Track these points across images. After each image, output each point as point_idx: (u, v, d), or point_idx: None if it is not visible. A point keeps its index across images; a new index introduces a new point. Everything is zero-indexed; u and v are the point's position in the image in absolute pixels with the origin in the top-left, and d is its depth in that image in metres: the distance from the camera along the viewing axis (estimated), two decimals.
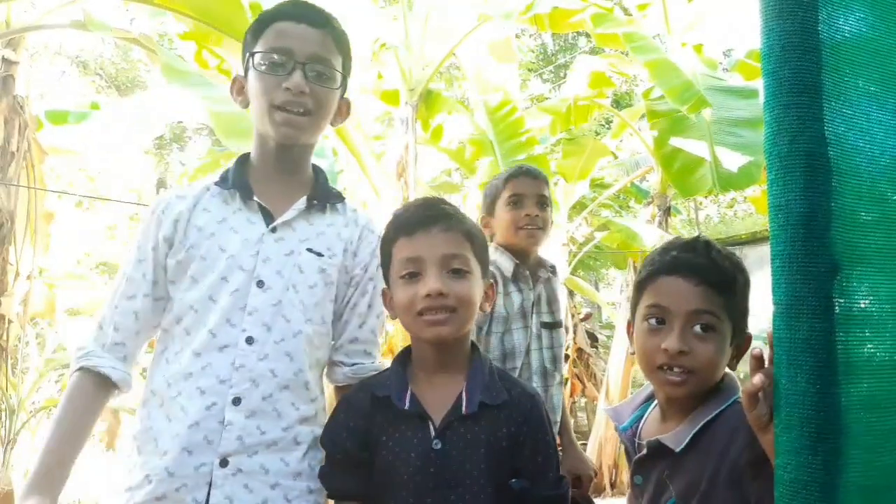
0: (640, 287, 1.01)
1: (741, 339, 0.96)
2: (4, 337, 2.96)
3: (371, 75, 4.20)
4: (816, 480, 0.58)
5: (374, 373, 1.12)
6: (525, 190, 1.64)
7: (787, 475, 0.60)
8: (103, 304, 1.09)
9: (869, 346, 0.63)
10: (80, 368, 1.03)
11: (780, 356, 0.63)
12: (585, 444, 4.52)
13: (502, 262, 1.65)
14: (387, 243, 1.02)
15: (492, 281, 1.05)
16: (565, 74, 5.27)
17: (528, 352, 1.65)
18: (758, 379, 0.70)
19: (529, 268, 1.68)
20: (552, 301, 1.75)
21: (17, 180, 2.96)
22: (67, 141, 3.91)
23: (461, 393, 0.96)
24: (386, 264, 1.03)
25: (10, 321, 2.96)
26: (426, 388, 0.98)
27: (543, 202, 1.66)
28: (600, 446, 4.47)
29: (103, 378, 1.02)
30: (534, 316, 1.67)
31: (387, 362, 1.08)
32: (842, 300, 0.61)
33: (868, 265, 0.64)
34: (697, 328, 0.93)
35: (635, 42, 3.30)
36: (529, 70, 9.73)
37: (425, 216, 0.99)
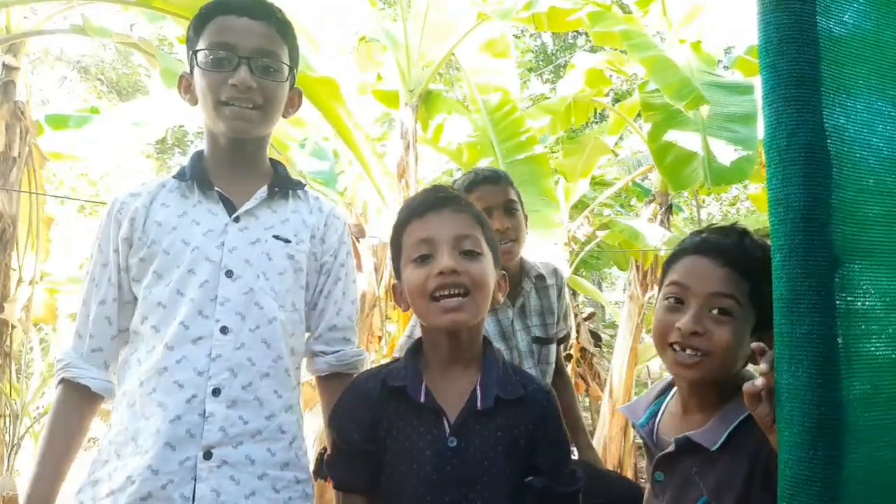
0: (666, 267, 0.99)
1: (767, 334, 0.94)
2: (8, 342, 2.97)
3: (370, 77, 4.20)
4: (818, 476, 0.57)
5: (357, 358, 1.12)
6: (489, 201, 1.41)
7: (789, 470, 0.59)
8: (78, 312, 1.07)
9: (870, 340, 0.62)
10: (62, 380, 1.02)
11: (780, 351, 0.62)
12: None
13: None
14: (398, 230, 1.01)
15: (504, 272, 1.03)
16: (565, 74, 5.26)
17: None
18: (759, 381, 0.69)
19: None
20: (546, 312, 1.55)
21: (18, 185, 2.97)
22: (68, 146, 3.91)
23: (475, 388, 0.94)
24: (396, 254, 1.01)
25: (13, 326, 2.97)
26: (439, 382, 0.96)
27: (511, 208, 1.45)
28: (605, 445, 4.45)
29: (85, 388, 1.02)
30: (518, 333, 1.50)
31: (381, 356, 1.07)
32: (843, 295, 0.61)
33: (869, 259, 0.63)
34: (715, 311, 0.89)
35: (632, 39, 3.29)
36: (529, 70, 9.72)
37: (436, 198, 0.99)
